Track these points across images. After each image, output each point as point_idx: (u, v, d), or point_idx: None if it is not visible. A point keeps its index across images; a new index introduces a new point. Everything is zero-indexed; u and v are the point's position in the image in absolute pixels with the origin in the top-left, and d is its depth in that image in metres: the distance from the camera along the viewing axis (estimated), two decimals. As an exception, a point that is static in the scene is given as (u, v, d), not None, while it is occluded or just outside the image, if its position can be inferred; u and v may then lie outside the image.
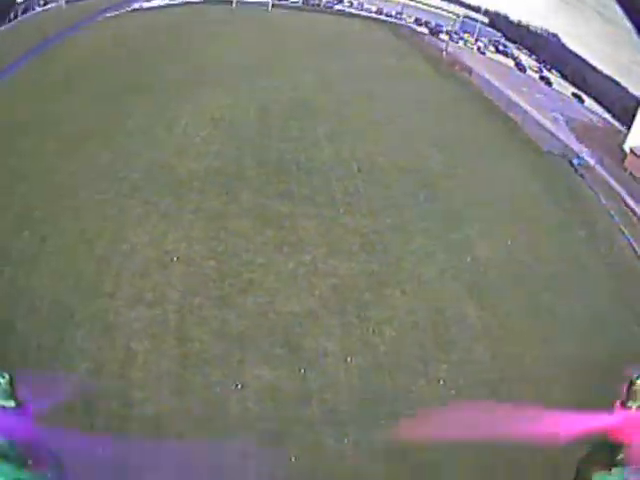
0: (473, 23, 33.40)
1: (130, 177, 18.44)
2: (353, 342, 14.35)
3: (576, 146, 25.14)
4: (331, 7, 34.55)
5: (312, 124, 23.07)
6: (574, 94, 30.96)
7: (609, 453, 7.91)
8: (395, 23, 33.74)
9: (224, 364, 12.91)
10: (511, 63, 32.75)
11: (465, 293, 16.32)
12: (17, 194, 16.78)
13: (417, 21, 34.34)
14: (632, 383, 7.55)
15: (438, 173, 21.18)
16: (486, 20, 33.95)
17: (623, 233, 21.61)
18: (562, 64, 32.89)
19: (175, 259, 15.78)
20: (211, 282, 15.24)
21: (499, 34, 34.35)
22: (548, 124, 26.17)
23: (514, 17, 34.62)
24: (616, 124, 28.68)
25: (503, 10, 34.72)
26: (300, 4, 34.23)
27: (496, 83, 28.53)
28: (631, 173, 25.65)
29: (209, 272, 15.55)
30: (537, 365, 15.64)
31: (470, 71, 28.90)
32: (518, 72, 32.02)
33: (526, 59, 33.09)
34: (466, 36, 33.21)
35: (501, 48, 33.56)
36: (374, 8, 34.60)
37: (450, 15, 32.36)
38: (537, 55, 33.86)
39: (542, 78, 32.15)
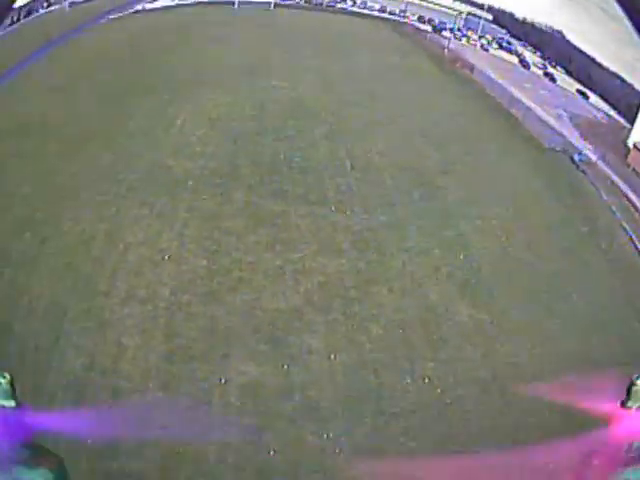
0: (477, 20, 32.91)
1: (128, 178, 18.52)
2: (338, 339, 14.25)
3: (578, 142, 24.57)
4: (333, 6, 34.28)
5: (309, 123, 22.87)
6: (578, 90, 30.34)
7: (609, 452, 7.61)
8: (398, 21, 33.40)
9: (209, 359, 13.05)
10: (515, 60, 32.22)
11: (457, 291, 16.01)
12: (19, 196, 16.92)
13: (420, 19, 33.95)
14: (632, 383, 7.27)
15: (435, 171, 20.82)
16: (490, 17, 33.42)
17: (625, 229, 21.02)
18: (567, 61, 32.29)
19: (167, 257, 15.88)
20: (200, 280, 15.33)
21: (504, 31, 33.79)
22: (551, 120, 25.66)
23: (519, 14, 34.02)
24: (621, 120, 28.04)
25: (508, 7, 34.17)
26: (303, 3, 34.00)
27: (499, 80, 28.06)
28: (634, 169, 25.00)
29: (199, 270, 15.64)
30: (532, 364, 15.23)
31: (472, 68, 28.46)
32: (522, 69, 31.51)
33: (530, 56, 32.57)
34: (469, 33, 32.71)
35: (505, 45, 33.02)
36: (377, 6, 34.30)
37: (453, 12, 31.85)
38: (542, 52, 33.26)
39: (546, 74, 31.60)
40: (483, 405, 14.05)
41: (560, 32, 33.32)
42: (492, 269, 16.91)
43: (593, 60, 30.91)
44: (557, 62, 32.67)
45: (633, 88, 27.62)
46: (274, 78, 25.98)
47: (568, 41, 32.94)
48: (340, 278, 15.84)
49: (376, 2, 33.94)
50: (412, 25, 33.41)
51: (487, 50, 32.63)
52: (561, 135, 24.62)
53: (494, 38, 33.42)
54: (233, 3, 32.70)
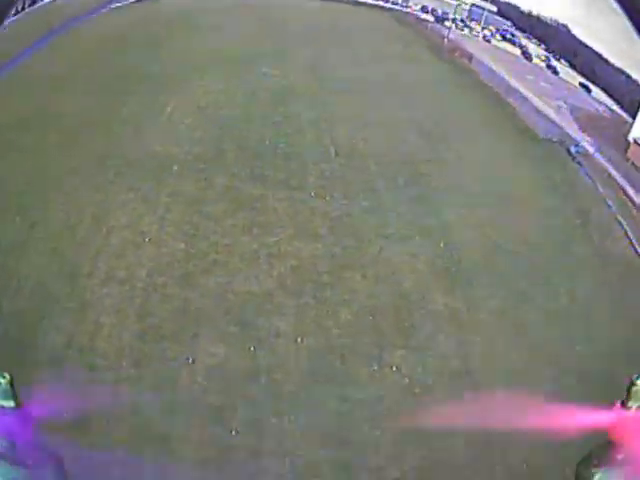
0: (480, 11, 32.08)
1: (116, 164, 18.71)
2: (306, 323, 14.24)
3: (576, 134, 23.77)
4: (336, -6, 33.52)
5: (297, 110, 22.60)
6: (581, 84, 29.44)
7: (609, 453, 7.40)
8: (401, 11, 32.69)
9: (180, 339, 13.31)
10: (518, 52, 31.33)
11: (434, 279, 15.52)
12: (10, 182, 16.97)
13: (423, 9, 33.19)
14: (632, 383, 7.11)
15: (422, 159, 20.26)
16: (494, 9, 32.56)
17: (620, 223, 20.23)
18: (571, 55, 31.43)
19: (148, 240, 16.07)
20: (177, 262, 15.53)
21: (508, 23, 32.93)
22: (550, 112, 24.86)
23: (525, 7, 33.22)
24: (623, 115, 27.13)
25: (513, 0, 33.37)
26: (304, -9, 33.38)
27: (498, 70, 27.27)
28: (633, 163, 24.14)
29: (177, 253, 15.82)
30: (508, 356, 14.71)
31: (471, 58, 27.73)
32: (524, 60, 30.60)
33: (534, 48, 31.66)
34: (472, 24, 31.91)
35: (508, 37, 32.16)
36: (381, -4, 33.57)
37: (456, 2, 31.11)
38: (546, 45, 32.37)
39: (549, 67, 30.69)
40: (453, 397, 13.57)
41: (565, 26, 32.46)
42: (473, 258, 16.35)
43: (599, 55, 30.05)
44: (561, 55, 31.80)
45: (638, 84, 26.73)
46: (266, 66, 25.59)
47: (574, 35, 32.07)
48: (314, 263, 15.68)
49: (380, -9, 33.24)
50: (414, 15, 32.71)
51: (489, 41, 31.76)
52: (558, 126, 23.83)
53: (497, 30, 32.58)
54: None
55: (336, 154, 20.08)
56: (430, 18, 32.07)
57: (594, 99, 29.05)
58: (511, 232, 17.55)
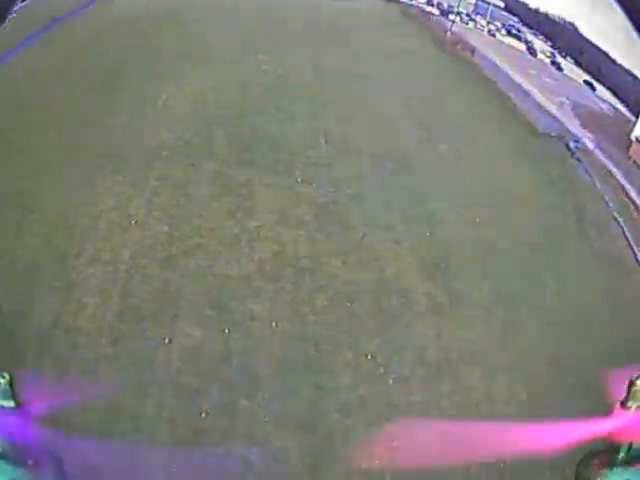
0: (486, 6, 31.53)
1: (108, 150, 18.78)
2: (282, 308, 14.07)
3: (577, 130, 23.18)
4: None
5: (291, 99, 22.17)
6: (586, 81, 28.84)
7: (609, 453, 7.62)
8: (405, 3, 32.17)
9: (158, 320, 13.46)
10: (523, 47, 30.74)
11: (416, 268, 15.09)
12: (7, 169, 17.01)
13: (429, 2, 32.65)
14: (632, 384, 7.34)
15: (414, 149, 19.78)
16: (502, 4, 32.01)
17: (617, 221, 19.66)
18: (577, 53, 30.84)
19: (134, 223, 16.23)
20: (160, 245, 15.65)
21: (515, 19, 32.37)
22: (551, 107, 24.28)
23: (533, 3, 32.68)
24: (627, 114, 26.51)
25: (522, -5, 32.83)
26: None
27: (500, 64, 26.72)
28: (635, 162, 23.53)
29: (161, 236, 15.95)
30: (491, 352, 14.28)
31: (473, 51, 27.19)
32: (528, 56, 30.00)
33: (540, 44, 31.06)
34: (477, 18, 31.35)
35: (514, 32, 31.58)
36: (386, -12, 33.06)
37: (462, -4, 30.63)
38: (553, 42, 31.79)
39: (553, 63, 30.08)
40: (429, 389, 13.17)
41: (572, 24, 31.88)
42: (459, 249, 15.93)
43: (605, 54, 29.45)
44: (567, 53, 31.22)
45: (644, 85, 26.11)
46: (262, 55, 25.21)
47: (580, 34, 31.50)
48: (295, 248, 15.45)
49: (385, -16, 32.72)
50: (419, 8, 32.17)
51: (494, 35, 31.26)
52: (559, 122, 23.30)
53: (503, 25, 32.04)
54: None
55: (325, 142, 19.70)
56: (435, 11, 31.61)
57: (598, 97, 28.46)
58: (502, 226, 17.04)
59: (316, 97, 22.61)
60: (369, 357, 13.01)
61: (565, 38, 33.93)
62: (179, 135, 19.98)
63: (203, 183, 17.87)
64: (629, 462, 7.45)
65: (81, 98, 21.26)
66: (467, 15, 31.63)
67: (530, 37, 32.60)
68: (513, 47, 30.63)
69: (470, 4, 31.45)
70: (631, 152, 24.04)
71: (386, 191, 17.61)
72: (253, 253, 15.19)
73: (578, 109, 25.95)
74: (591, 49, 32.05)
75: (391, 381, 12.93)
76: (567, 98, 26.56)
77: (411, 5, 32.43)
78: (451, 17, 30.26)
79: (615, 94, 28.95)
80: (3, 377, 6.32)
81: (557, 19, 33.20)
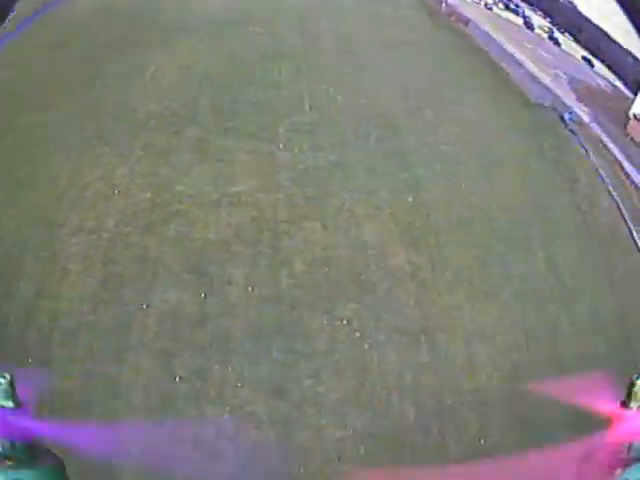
0: (484, -21, 30.87)
1: (95, 121, 18.74)
2: (259, 272, 13.77)
3: (571, 103, 22.56)
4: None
5: (278, 67, 21.74)
6: (584, 57, 28.12)
7: (609, 453, 7.19)
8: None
9: (137, 286, 13.46)
10: (520, 22, 30.03)
11: (398, 234, 14.59)
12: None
13: (426, -25, 31.94)
14: (632, 383, 7.03)
15: (401, 115, 19.14)
16: (500, -22, 31.26)
17: (610, 193, 19.11)
18: (577, 30, 30.09)
19: (117, 192, 16.18)
20: (142, 212, 15.61)
21: (514, -6, 31.67)
22: (545, 79, 23.58)
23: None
24: (626, 92, 25.83)
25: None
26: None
27: (496, 36, 25.97)
28: (632, 138, 22.92)
29: (142, 203, 15.90)
30: (472, 320, 13.80)
31: (467, 22, 26.56)
32: (525, 30, 29.31)
33: (538, 19, 30.36)
34: (474, -9, 30.74)
35: (511, 6, 30.88)
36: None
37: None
38: (552, 18, 31.08)
39: (551, 38, 29.37)
40: (406, 357, 12.75)
41: (572, 2, 31.16)
42: (444, 216, 15.36)
43: (605, 33, 28.70)
44: (566, 30, 30.50)
45: (644, 65, 25.42)
46: (253, 25, 24.83)
47: (580, 12, 30.78)
48: (273, 212, 15.14)
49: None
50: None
51: (491, 9, 30.60)
52: (553, 94, 22.60)
53: (501, -1, 31.43)
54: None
55: (310, 108, 19.26)
56: (431, -17, 30.95)
57: (596, 73, 27.79)
58: (489, 193, 16.45)
59: (304, 65, 22.12)
60: (345, 322, 12.60)
61: (564, 15, 33.26)
62: (166, 105, 19.87)
63: (186, 151, 17.79)
64: (629, 462, 7.05)
65: (70, 72, 21.07)
66: (464, -12, 31.20)
67: (528, 12, 32.04)
68: (510, 21, 29.94)
69: (467, -23, 31.00)
70: (628, 129, 23.44)
71: (370, 157, 17.11)
72: (231, 218, 15.00)
73: (574, 83, 25.27)
74: (590, 27, 31.39)
75: (367, 346, 12.64)
76: (564, 72, 25.91)
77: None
78: (447, -11, 29.80)
79: (614, 72, 28.32)
80: (4, 377, 6.21)
81: (558, -4, 32.54)
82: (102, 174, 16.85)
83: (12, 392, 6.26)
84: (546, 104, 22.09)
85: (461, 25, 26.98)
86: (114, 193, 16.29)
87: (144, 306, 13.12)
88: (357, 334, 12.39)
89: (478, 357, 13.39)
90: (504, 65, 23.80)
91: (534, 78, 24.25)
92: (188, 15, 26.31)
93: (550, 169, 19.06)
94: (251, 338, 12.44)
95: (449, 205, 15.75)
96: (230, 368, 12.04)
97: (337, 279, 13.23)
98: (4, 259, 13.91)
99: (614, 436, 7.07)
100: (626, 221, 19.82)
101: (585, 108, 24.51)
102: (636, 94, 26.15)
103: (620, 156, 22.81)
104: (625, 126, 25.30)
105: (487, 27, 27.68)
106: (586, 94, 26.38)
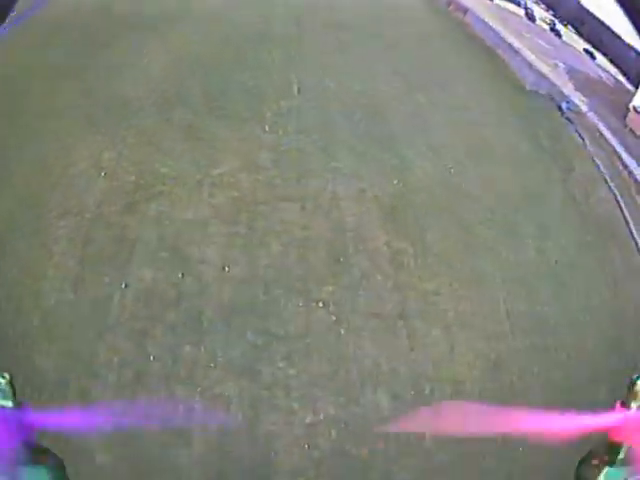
0: (485, -31, 30.32)
1: (87, 107, 18.49)
2: (235, 252, 13.53)
3: (569, 92, 22.01)
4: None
5: (271, 54, 21.23)
6: (586, 50, 27.52)
7: (609, 453, 7.16)
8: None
9: (116, 265, 13.40)
10: (521, 13, 29.48)
11: (379, 216, 14.15)
12: None
13: (425, -36, 31.44)
14: (633, 383, 6.97)
15: (391, 98, 18.63)
16: (502, -31, 30.73)
17: (607, 183, 18.57)
18: (579, 23, 29.53)
19: (104, 175, 16.09)
20: (125, 193, 15.51)
21: (516, -14, 31.12)
22: (544, 68, 23.05)
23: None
24: (628, 86, 25.24)
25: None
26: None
27: (494, 25, 25.46)
28: (631, 130, 22.34)
29: (127, 185, 15.78)
30: (453, 306, 13.36)
31: (465, 11, 26.05)
32: (526, 20, 28.71)
33: (540, 12, 29.79)
34: (475, -18, 30.16)
35: (514, -1, 30.41)
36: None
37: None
38: (554, 11, 30.52)
39: (553, 30, 28.78)
40: (383, 343, 12.34)
41: (575, -4, 30.65)
42: (429, 200, 14.87)
43: (608, 27, 28.13)
44: (569, 22, 29.92)
45: (648, 61, 24.80)
46: (246, 12, 24.15)
47: (583, 6, 30.22)
48: (253, 193, 14.83)
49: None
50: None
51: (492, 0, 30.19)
52: (550, 82, 22.04)
53: (502, -11, 30.85)
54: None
55: (299, 92, 18.88)
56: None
57: (597, 66, 27.19)
58: (478, 178, 15.93)
59: (297, 51, 21.63)
60: (320, 305, 12.23)
61: (567, 8, 32.72)
62: (156, 90, 19.60)
63: (173, 134, 17.62)
64: (628, 463, 6.96)
65: (65, 59, 20.64)
66: (465, -21, 30.66)
67: (530, 4, 31.51)
68: (510, 11, 29.42)
69: (468, -32, 30.47)
70: (628, 121, 22.88)
71: (356, 140, 16.61)
72: (211, 199, 14.85)
73: (574, 73, 24.71)
74: (593, 21, 30.84)
75: (342, 331, 12.23)
76: (563, 63, 25.39)
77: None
78: (446, -22, 29.26)
79: (616, 66, 27.76)
80: (4, 377, 6.20)
81: (560, -12, 31.97)
82: (90, 158, 16.79)
83: (12, 392, 6.27)
84: (542, 92, 21.68)
85: (459, 14, 26.75)
86: (100, 175, 16.27)
87: (122, 285, 13.06)
88: (333, 317, 11.99)
89: (459, 345, 12.98)
90: (500, 52, 23.39)
91: (531, 66, 23.77)
92: (182, 4, 25.37)
93: (544, 156, 18.53)
94: (224, 318, 12.24)
95: (435, 189, 15.24)
96: (202, 348, 11.89)
97: (314, 261, 12.86)
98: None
99: (614, 435, 6.92)
100: (623, 213, 19.36)
101: (584, 98, 23.99)
102: (637, 87, 25.67)
103: (619, 147, 22.30)
104: (624, 118, 24.85)
105: (486, 16, 27.22)
106: (585, 84, 25.79)
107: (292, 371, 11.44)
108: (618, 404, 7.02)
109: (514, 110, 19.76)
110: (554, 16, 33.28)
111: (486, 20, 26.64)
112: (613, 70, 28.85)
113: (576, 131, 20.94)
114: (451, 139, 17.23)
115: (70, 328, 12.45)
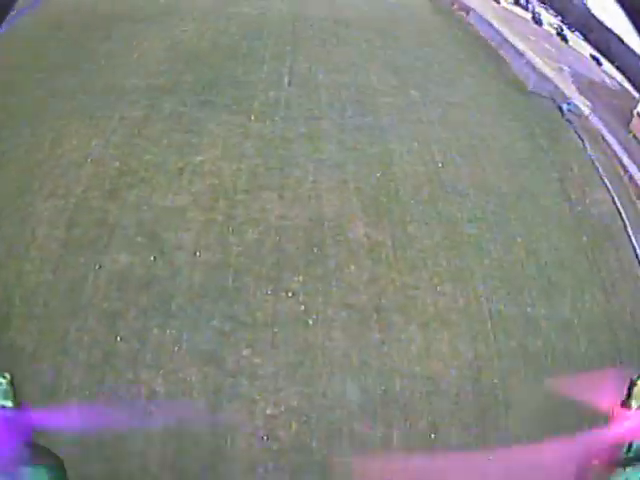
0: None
1: (82, 97, 18.97)
2: (209, 239, 13.48)
3: (572, 94, 21.60)
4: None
5: (264, 45, 21.54)
6: (592, 56, 27.14)
7: (609, 453, 7.50)
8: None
9: (94, 248, 13.67)
10: (528, 16, 29.17)
11: (360, 208, 13.83)
12: None
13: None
14: (633, 383, 7.34)
15: (384, 95, 18.40)
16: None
17: (606, 186, 18.12)
18: (587, 30, 29.17)
19: (90, 161, 16.36)
20: (109, 179, 15.78)
21: (525, -9, 30.83)
22: (548, 71, 22.67)
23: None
24: (633, 93, 24.82)
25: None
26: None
27: (499, 27, 25.16)
28: (635, 136, 21.90)
29: (111, 171, 16.10)
30: (432, 303, 12.94)
31: (468, 12, 25.73)
32: (533, 24, 28.42)
33: (547, 16, 29.45)
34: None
35: (522, 1, 30.01)
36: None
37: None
38: (562, 17, 30.21)
39: (559, 35, 28.46)
40: (354, 335, 11.97)
41: (584, 3, 30.28)
42: (413, 193, 14.55)
43: (616, 35, 27.77)
44: (577, 29, 29.58)
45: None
46: (242, 6, 24.75)
47: (592, 13, 29.88)
48: (233, 181, 14.77)
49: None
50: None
51: (498, 2, 29.80)
52: (553, 84, 21.66)
53: (511, -7, 30.54)
54: None
55: (289, 84, 18.81)
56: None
57: (603, 71, 26.76)
58: (467, 173, 15.63)
59: (291, 43, 21.88)
60: (290, 294, 11.94)
61: (576, 15, 32.35)
62: (150, 81, 19.96)
63: (161, 123, 17.85)
64: (629, 462, 7.24)
65: (61, 50, 21.50)
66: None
67: (538, 9, 31.17)
68: (517, 15, 29.20)
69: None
70: (631, 126, 22.44)
71: (342, 131, 16.44)
72: (191, 186, 14.86)
73: (578, 77, 24.34)
74: (601, 29, 30.47)
75: (310, 321, 11.91)
76: (568, 66, 25.02)
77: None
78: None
79: (623, 73, 27.33)
80: (4, 377, 6.38)
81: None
82: (79, 144, 17.08)
83: (12, 392, 6.39)
84: (544, 94, 21.26)
85: (462, 13, 26.43)
86: (86, 161, 16.55)
87: (97, 267, 13.18)
88: (302, 308, 11.62)
89: (436, 343, 12.52)
90: (503, 53, 23.09)
91: (534, 68, 23.40)
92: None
93: (540, 156, 18.05)
94: (192, 303, 12.09)
95: (422, 184, 14.91)
96: (169, 332, 11.80)
97: (287, 250, 12.55)
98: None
99: (614, 435, 7.01)
100: (622, 216, 18.87)
101: (587, 102, 23.57)
102: (643, 93, 25.19)
103: (620, 151, 21.85)
104: (628, 123, 24.39)
105: (491, 17, 26.94)
106: (589, 88, 25.31)
107: (257, 360, 11.10)
108: (618, 404, 7.10)
109: (512, 109, 19.45)
110: (562, 22, 33.03)
111: (491, 21, 26.47)
112: (619, 77, 28.48)
113: (576, 133, 20.63)
114: (442, 135, 16.92)
115: (46, 307, 12.62)
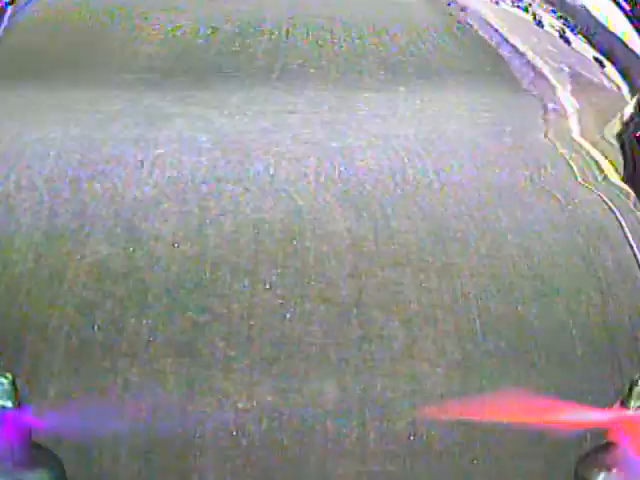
0: (493, -26, 30.31)
1: (70, 91, 18.46)
2: (186, 230, 13.23)
3: (564, 95, 21.64)
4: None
5: (258, 42, 22.04)
6: (595, 58, 27.22)
7: (609, 453, 6.94)
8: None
9: (74, 239, 13.13)
10: (529, 18, 29.24)
11: (334, 201, 13.80)
12: None
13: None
14: (633, 383, 6.77)
15: (367, 88, 18.58)
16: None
17: (587, 187, 18.17)
18: (590, 34, 29.41)
19: (51, 154, 16.49)
20: (72, 170, 15.87)
21: (525, -7, 31.09)
22: (546, 70, 22.70)
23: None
24: (628, 97, 24.97)
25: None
26: None
27: (499, 28, 25.14)
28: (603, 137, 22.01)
29: (73, 162, 16.08)
30: (416, 299, 12.82)
31: (465, 10, 25.79)
32: (534, 26, 28.39)
33: (549, 18, 29.60)
34: (483, -15, 30.20)
35: (523, 5, 30.17)
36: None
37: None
38: (565, 20, 30.42)
39: (562, 37, 28.58)
40: (332, 330, 11.96)
41: (586, 7, 30.60)
42: (384, 187, 14.51)
43: (620, 39, 27.95)
44: (579, 32, 29.78)
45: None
46: (242, 2, 24.71)
47: (595, 17, 30.16)
48: (193, 174, 15.14)
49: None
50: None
51: (498, 3, 30.04)
52: (549, 83, 21.77)
53: (511, -4, 30.81)
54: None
55: (277, 79, 19.14)
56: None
57: (605, 75, 26.85)
58: (445, 167, 15.51)
59: (285, 40, 22.46)
60: (267, 286, 12.11)
61: (578, 19, 32.62)
62: (139, 74, 20.25)
63: (131, 115, 18.51)
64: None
65: (61, 47, 22.12)
66: (472, -19, 30.62)
67: (540, 11, 31.36)
68: (518, 16, 29.25)
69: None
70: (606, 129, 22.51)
71: (307, 125, 16.48)
72: (162, 177, 15.16)
73: (577, 78, 24.26)
74: (605, 33, 30.70)
75: (288, 315, 11.98)
76: (568, 67, 25.08)
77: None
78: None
79: (625, 78, 27.51)
80: (6, 377, 6.37)
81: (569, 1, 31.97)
82: (41, 136, 18.20)
83: (14, 392, 6.41)
84: (535, 92, 21.37)
85: (459, 12, 26.67)
86: (48, 155, 17.77)
87: (78, 257, 13.77)
88: (279, 301, 11.73)
89: (421, 340, 12.53)
90: (500, 52, 23.26)
91: (534, 67, 23.53)
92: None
93: (507, 154, 18.26)
94: (169, 294, 12.39)
95: (388, 177, 15.07)
96: (145, 322, 12.18)
97: (265, 242, 12.65)
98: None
99: (614, 435, 7.03)
100: (617, 217, 18.83)
101: (576, 102, 23.60)
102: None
103: (594, 151, 21.94)
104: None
105: (490, 18, 26.98)
106: (584, 89, 25.50)
107: (232, 352, 11.24)
108: (617, 404, 7.05)
109: (503, 107, 18.95)
110: (565, 25, 33.22)
111: (489, 20, 26.67)
112: (620, 81, 28.58)
113: (550, 132, 20.65)
114: (418, 129, 16.30)
115: (28, 296, 13.27)
